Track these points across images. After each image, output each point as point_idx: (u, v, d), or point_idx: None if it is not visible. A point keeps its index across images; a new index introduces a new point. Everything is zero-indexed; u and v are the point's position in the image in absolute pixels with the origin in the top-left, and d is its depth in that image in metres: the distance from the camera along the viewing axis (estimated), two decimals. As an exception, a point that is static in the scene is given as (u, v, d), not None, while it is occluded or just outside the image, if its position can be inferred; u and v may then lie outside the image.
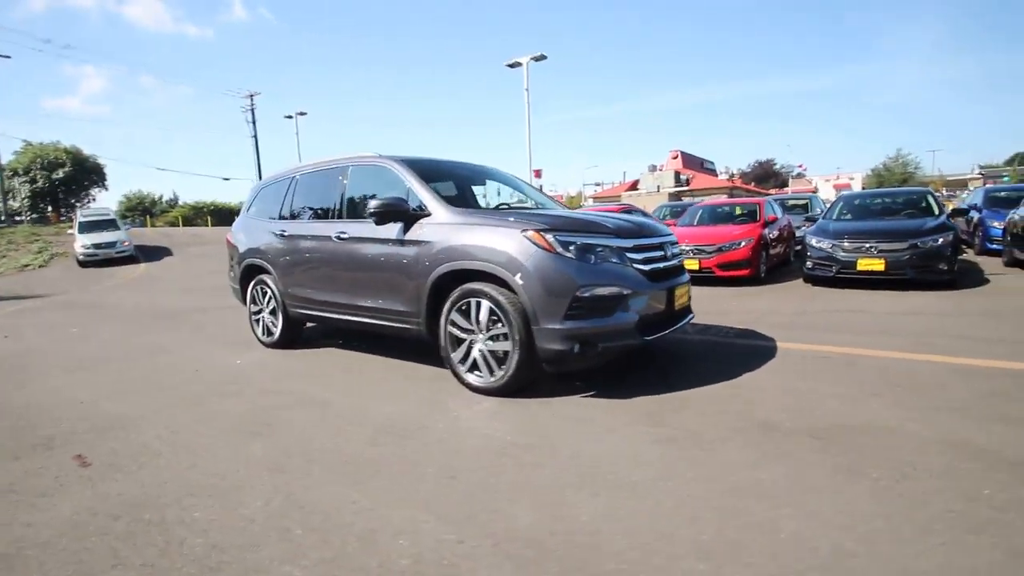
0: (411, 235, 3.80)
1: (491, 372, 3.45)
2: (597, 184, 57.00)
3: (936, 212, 7.86)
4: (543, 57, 18.83)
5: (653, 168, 43.81)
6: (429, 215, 3.76)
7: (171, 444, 2.95)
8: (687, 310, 3.97)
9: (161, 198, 47.90)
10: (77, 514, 2.23)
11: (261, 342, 5.39)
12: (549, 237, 3.23)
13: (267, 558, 1.86)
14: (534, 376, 3.41)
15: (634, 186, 36.38)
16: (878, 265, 6.96)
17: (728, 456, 2.48)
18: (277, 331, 5.16)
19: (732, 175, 42.98)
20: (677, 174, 37.09)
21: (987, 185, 14.71)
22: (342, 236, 4.29)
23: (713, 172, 43.16)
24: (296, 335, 5.22)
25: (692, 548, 1.79)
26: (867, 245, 7.11)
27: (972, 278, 7.57)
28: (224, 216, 35.63)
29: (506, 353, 3.37)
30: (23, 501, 2.37)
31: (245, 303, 5.57)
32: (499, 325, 3.39)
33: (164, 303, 9.60)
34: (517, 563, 1.76)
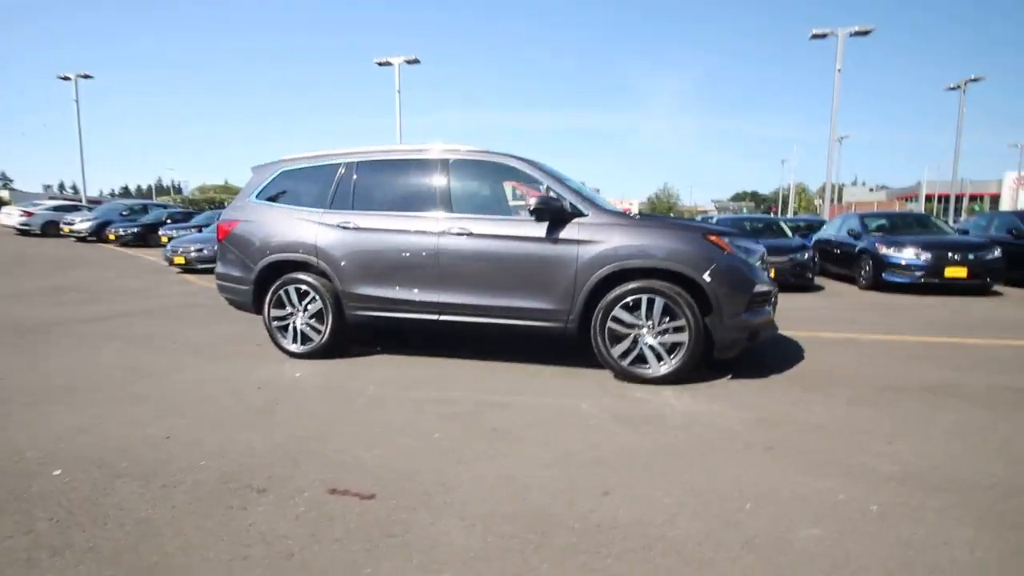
0: (566, 234, 3.81)
1: (659, 362, 3.71)
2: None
3: (789, 234, 10.40)
4: (416, 61, 18.58)
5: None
6: (585, 215, 3.84)
7: (430, 461, 2.55)
8: None
9: None
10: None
11: (287, 352, 4.53)
12: (726, 240, 3.68)
13: (798, 536, 1.95)
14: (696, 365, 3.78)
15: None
16: (770, 274, 8.95)
17: (916, 408, 3.27)
18: (320, 338, 4.43)
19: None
20: (514, 189, 39.80)
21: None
22: (461, 232, 4.01)
23: (538, 190, 47.52)
24: (343, 342, 4.55)
25: None
26: (760, 257, 9.08)
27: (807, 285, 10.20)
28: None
29: (675, 345, 3.68)
30: (384, 543, 1.89)
31: (259, 308, 4.61)
32: (667, 319, 3.68)
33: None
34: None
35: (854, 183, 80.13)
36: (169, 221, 18.03)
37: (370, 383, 3.80)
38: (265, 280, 4.57)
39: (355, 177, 4.45)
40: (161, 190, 62.71)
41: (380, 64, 18.97)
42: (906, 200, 47.35)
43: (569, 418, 3.14)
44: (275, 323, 4.56)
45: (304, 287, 4.43)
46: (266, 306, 4.56)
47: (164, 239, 16.43)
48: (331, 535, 1.95)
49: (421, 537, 1.93)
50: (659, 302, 3.67)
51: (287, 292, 4.49)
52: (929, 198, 43.93)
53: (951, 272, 8.02)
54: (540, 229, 3.86)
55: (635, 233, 3.74)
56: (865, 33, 15.54)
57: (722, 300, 3.59)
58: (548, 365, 4.24)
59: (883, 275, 8.63)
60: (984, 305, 7.58)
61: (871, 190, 61.29)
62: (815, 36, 15.99)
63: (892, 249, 8.56)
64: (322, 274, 4.42)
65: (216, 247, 11.86)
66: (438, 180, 4.21)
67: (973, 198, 44.19)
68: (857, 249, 9.42)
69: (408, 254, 4.14)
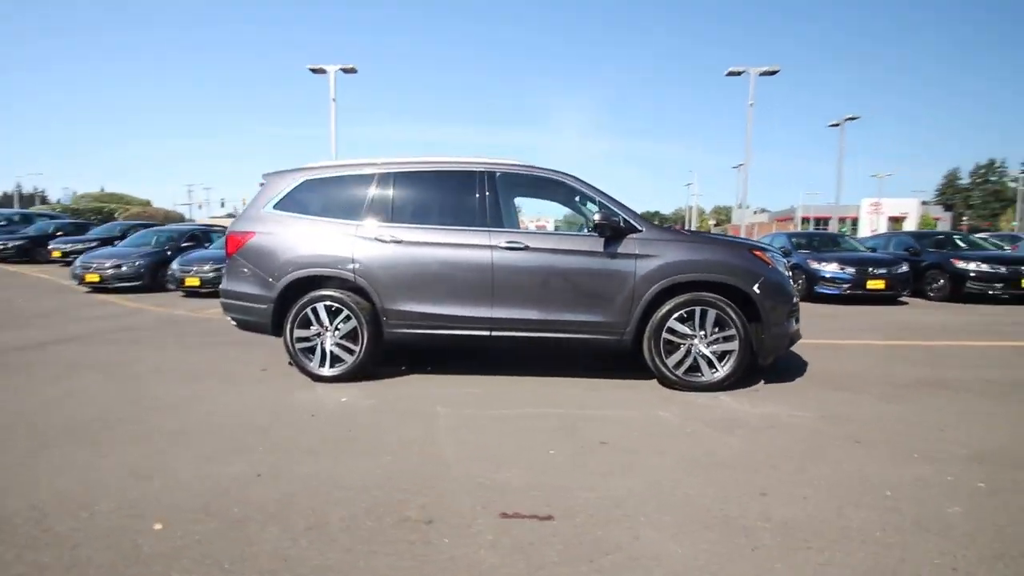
0: (623, 249, 3.94)
1: (711, 370, 3.93)
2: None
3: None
4: (353, 70, 18.00)
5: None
6: (640, 231, 3.99)
7: (570, 477, 2.52)
8: None
9: None
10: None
11: (313, 375, 4.19)
12: (769, 255, 4.01)
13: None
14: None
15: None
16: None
17: (935, 400, 3.74)
18: (353, 359, 4.15)
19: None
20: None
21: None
22: (516, 246, 3.98)
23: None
24: (374, 362, 4.28)
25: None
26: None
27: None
28: None
29: (724, 353, 3.93)
30: (608, 561, 1.85)
31: (278, 329, 4.23)
32: (717, 329, 3.93)
33: None
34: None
35: (739, 206, 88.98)
36: (60, 234, 15.73)
37: (434, 404, 3.64)
38: (288, 298, 4.21)
39: (392, 188, 4.27)
40: (23, 198, 54.30)
41: (314, 71, 18.11)
42: (787, 222, 53.56)
43: (661, 427, 3.24)
44: (299, 344, 4.20)
45: (336, 304, 4.14)
46: (288, 326, 4.18)
47: (56, 253, 14.41)
48: (546, 559, 1.87)
49: (640, 552, 1.92)
50: (711, 313, 3.90)
51: (315, 310, 4.16)
52: (805, 220, 50.01)
53: (872, 284, 9.25)
54: (598, 244, 3.96)
55: (690, 248, 3.97)
56: (773, 73, 17.71)
57: (768, 311, 3.90)
58: (589, 378, 4.30)
59: (816, 288, 9.72)
60: (902, 312, 8.80)
61: (755, 212, 68.40)
62: (730, 73, 17.91)
63: (823, 264, 9.70)
64: (357, 290, 4.16)
65: (138, 262, 10.68)
66: (485, 193, 4.16)
67: (840, 220, 50.96)
68: (789, 265, 10.51)
69: (460, 269, 4.03)
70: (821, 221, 51.26)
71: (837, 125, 22.50)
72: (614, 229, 3.94)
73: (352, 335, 4.16)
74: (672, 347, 3.95)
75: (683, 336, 3.94)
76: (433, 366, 4.64)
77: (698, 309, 3.91)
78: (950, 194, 67.96)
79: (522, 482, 2.48)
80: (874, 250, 10.99)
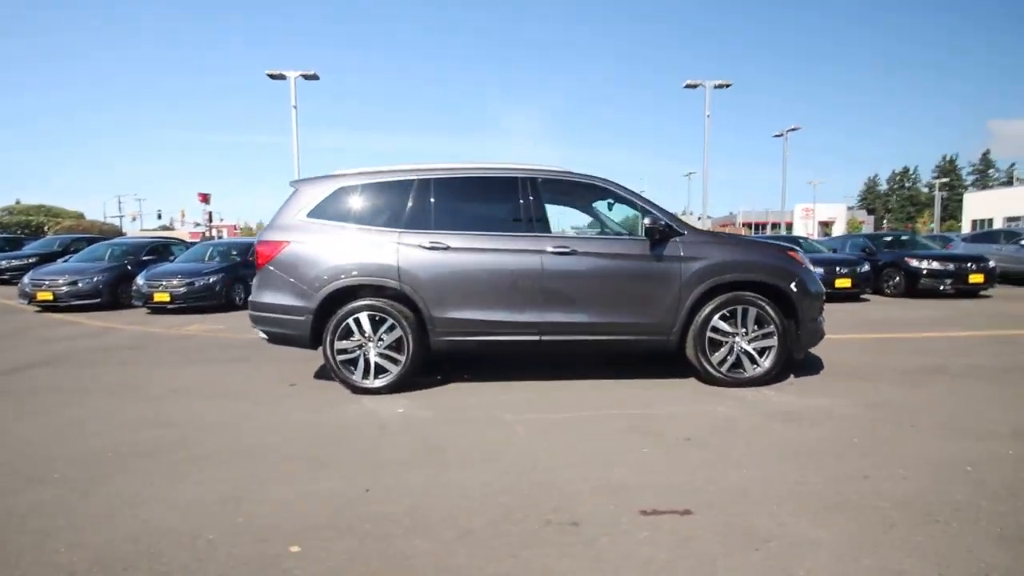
0: (668, 251, 4.07)
1: (753, 366, 4.12)
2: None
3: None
4: (315, 76, 17.52)
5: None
6: (682, 234, 4.14)
7: (678, 473, 2.58)
8: None
9: None
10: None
11: (357, 388, 4.05)
12: (801, 253, 4.25)
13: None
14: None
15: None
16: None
17: (945, 386, 4.07)
18: (398, 369, 4.06)
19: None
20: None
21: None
22: (564, 250, 4.03)
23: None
24: (418, 373, 4.20)
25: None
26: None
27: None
28: None
29: (764, 349, 4.13)
30: (774, 549, 1.92)
31: (317, 342, 4.07)
32: (756, 327, 4.12)
33: None
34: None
35: (683, 212, 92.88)
36: (-9, 249, 14.35)
37: (496, 411, 3.61)
38: (327, 308, 4.06)
39: (432, 195, 4.22)
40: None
41: (272, 77, 17.46)
42: (732, 227, 56.44)
43: (727, 422, 3.36)
44: (340, 356, 4.06)
45: (379, 314, 4.04)
46: (328, 338, 4.04)
47: (-11, 271, 13.10)
48: (714, 550, 1.93)
49: (794, 538, 2.00)
50: (752, 311, 4.09)
51: (357, 320, 4.04)
52: (746, 225, 52.90)
53: (840, 283, 9.92)
54: (644, 247, 4.08)
55: (732, 250, 4.16)
56: (726, 86, 18.77)
57: (804, 308, 4.13)
58: (627, 379, 4.36)
59: (788, 287, 10.30)
60: (868, 308, 9.48)
61: (699, 219, 71.66)
62: (688, 86, 18.86)
63: (794, 265, 10.30)
64: (401, 298, 4.07)
65: (96, 278, 9.90)
66: (529, 198, 4.19)
67: (775, 225, 54.25)
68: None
69: (510, 274, 4.03)
70: (759, 226, 54.48)
71: (781, 136, 24.11)
72: (660, 232, 4.07)
73: (397, 345, 4.07)
74: (715, 345, 4.11)
75: (726, 334, 4.11)
76: (469, 374, 4.59)
77: (739, 308, 4.09)
78: (871, 199, 73.93)
79: (636, 480, 2.52)
80: (834, 251, 11.81)
